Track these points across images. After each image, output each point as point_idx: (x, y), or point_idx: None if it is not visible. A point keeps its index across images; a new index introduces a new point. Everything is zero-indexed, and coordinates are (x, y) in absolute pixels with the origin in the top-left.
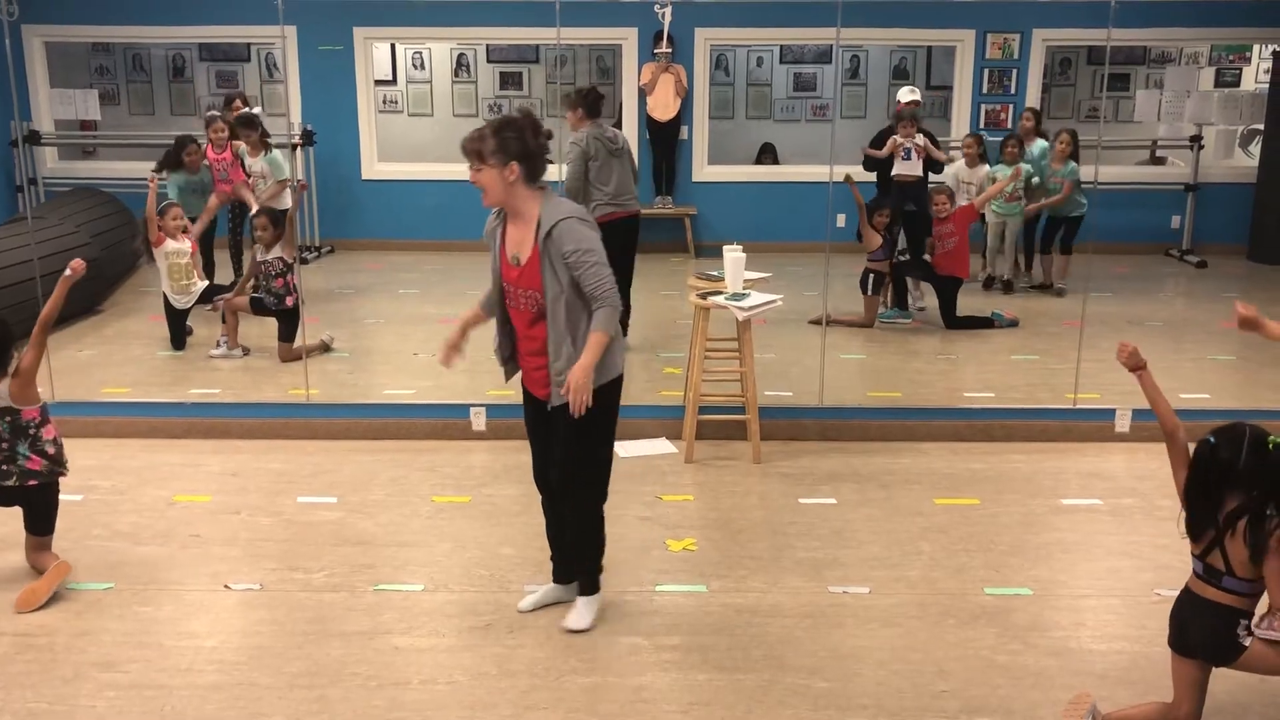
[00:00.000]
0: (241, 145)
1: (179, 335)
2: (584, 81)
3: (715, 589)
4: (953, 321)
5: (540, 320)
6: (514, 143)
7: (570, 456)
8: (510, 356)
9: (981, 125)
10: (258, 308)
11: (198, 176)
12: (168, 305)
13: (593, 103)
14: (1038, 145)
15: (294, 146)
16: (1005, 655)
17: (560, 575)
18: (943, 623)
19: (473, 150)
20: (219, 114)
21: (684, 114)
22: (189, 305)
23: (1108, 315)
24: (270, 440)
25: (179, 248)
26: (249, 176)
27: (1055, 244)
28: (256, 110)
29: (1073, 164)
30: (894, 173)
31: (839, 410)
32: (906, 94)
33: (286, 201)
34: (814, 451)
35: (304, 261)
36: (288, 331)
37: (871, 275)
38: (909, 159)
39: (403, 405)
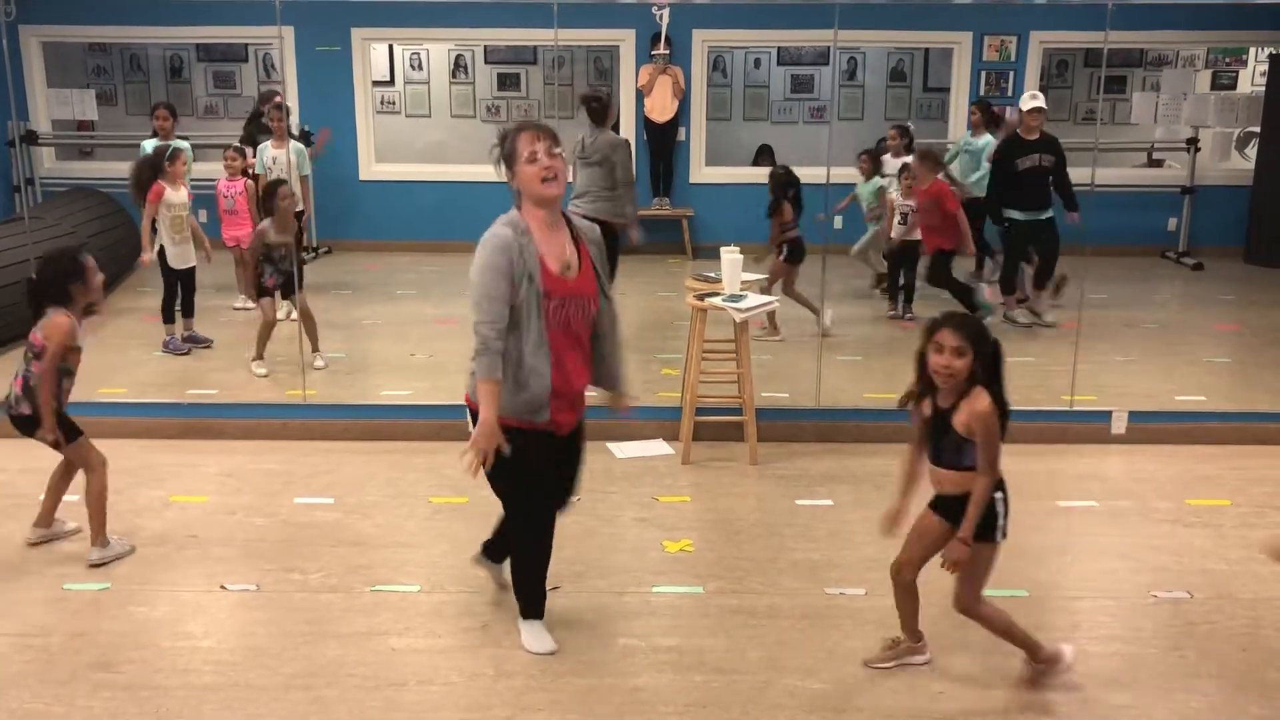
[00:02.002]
0: (268, 149)
1: (174, 303)
2: (581, 83)
3: (712, 590)
4: (936, 279)
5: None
6: None
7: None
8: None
9: None
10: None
11: (169, 143)
12: (165, 266)
13: None
14: (983, 139)
15: None
16: (1000, 657)
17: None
18: (939, 624)
19: (552, 135)
20: (236, 145)
21: (681, 115)
22: (189, 265)
23: (1104, 317)
24: (267, 441)
25: (179, 199)
26: (265, 173)
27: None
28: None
29: (988, 137)
30: (891, 235)
31: (836, 412)
32: (1028, 100)
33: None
34: (810, 453)
35: (301, 261)
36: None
37: (788, 246)
38: (905, 225)
39: (400, 406)
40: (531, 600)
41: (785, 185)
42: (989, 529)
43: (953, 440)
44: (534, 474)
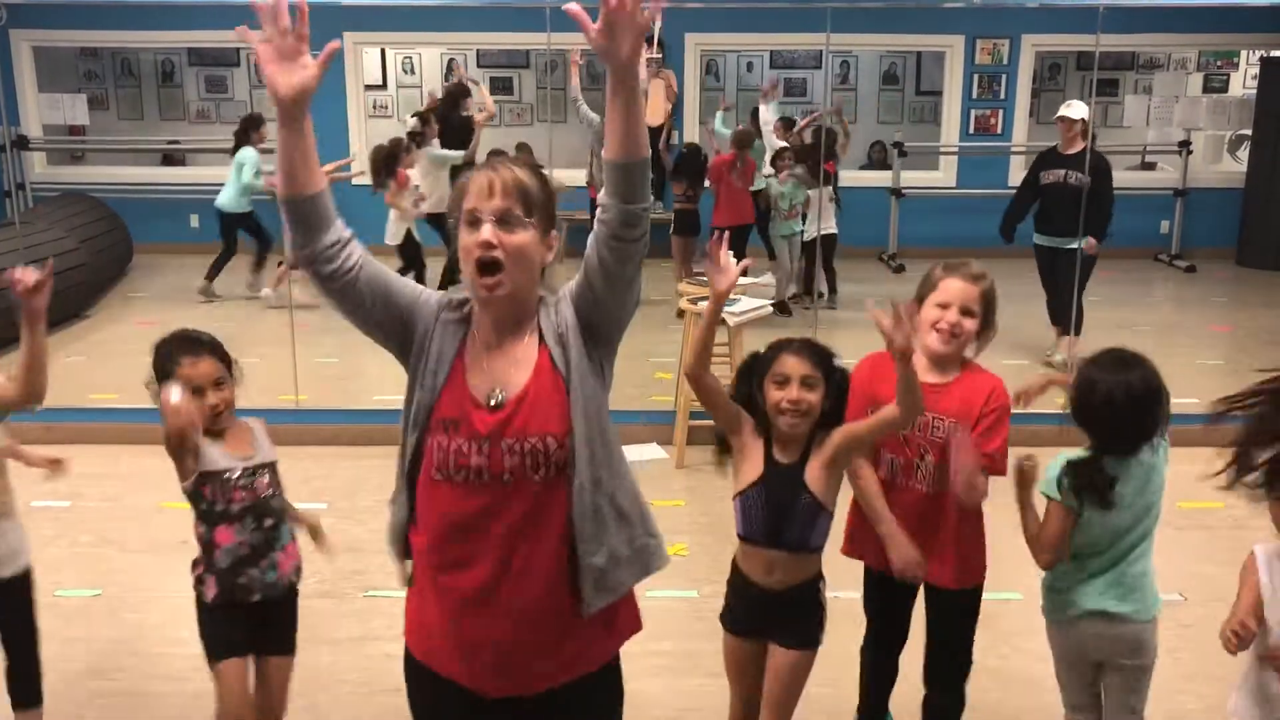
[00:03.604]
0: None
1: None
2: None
3: (706, 594)
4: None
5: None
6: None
7: None
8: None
9: (972, 130)
10: None
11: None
12: (414, 240)
13: None
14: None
15: None
16: (995, 659)
17: None
18: None
19: (519, 189)
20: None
21: (674, 119)
22: None
23: (1097, 320)
24: None
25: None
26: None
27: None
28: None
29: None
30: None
31: None
32: (1062, 108)
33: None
34: None
35: (293, 266)
36: None
37: (675, 216)
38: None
39: (392, 410)
40: None
41: (688, 159)
42: (817, 634)
43: (805, 508)
44: None
